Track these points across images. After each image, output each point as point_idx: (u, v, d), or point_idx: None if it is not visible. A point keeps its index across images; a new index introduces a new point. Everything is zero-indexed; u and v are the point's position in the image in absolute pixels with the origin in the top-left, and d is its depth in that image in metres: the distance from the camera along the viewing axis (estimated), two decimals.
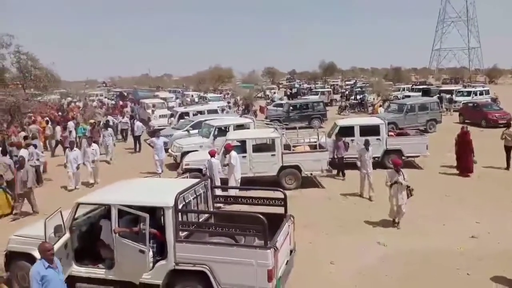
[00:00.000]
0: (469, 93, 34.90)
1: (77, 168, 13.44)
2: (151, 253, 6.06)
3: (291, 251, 6.92)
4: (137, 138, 20.08)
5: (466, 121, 24.83)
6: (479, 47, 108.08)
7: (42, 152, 15.16)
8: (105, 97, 46.81)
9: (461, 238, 8.85)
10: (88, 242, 6.99)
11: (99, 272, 6.53)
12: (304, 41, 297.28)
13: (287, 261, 6.60)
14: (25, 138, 16.28)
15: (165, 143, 15.38)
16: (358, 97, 37.05)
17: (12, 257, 6.84)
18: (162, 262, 6.11)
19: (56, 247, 6.03)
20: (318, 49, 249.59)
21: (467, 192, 12.11)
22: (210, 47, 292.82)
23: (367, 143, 12.13)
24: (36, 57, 19.31)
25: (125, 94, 46.04)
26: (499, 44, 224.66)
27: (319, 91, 44.75)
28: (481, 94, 34.83)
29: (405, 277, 7.37)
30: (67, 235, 6.43)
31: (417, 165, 15.37)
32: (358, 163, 12.03)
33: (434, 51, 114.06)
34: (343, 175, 14.11)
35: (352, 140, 14.83)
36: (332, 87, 55.49)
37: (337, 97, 43.16)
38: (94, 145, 14.40)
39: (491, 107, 26.16)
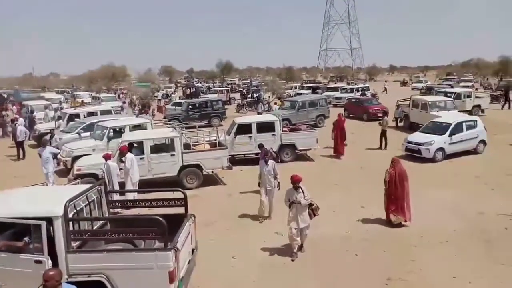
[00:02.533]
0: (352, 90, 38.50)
1: None
2: (50, 262, 5.58)
3: (193, 250, 6.94)
4: (20, 144, 18.13)
5: (350, 115, 27.21)
6: (360, 47, 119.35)
7: None
8: None
9: (348, 222, 9.76)
10: None
11: None
12: (202, 40, 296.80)
13: (189, 260, 6.61)
14: None
15: (55, 154, 13.06)
16: (254, 95, 38.27)
17: None
18: None
19: None
20: (215, 48, 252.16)
21: (353, 180, 13.37)
22: (102, 45, 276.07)
23: (266, 154, 10.49)
24: None
25: (5, 96, 41.18)
26: (377, 45, 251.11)
27: (217, 90, 45.17)
28: (362, 90, 38.56)
29: (301, 263, 7.90)
30: None
31: (309, 158, 16.51)
32: (258, 180, 10.37)
33: (322, 51, 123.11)
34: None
35: (250, 137, 15.32)
36: (230, 86, 56.39)
37: (236, 95, 43.94)
38: None
39: (371, 102, 29.02)
